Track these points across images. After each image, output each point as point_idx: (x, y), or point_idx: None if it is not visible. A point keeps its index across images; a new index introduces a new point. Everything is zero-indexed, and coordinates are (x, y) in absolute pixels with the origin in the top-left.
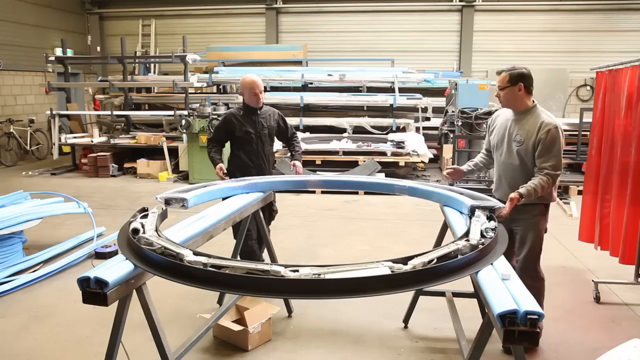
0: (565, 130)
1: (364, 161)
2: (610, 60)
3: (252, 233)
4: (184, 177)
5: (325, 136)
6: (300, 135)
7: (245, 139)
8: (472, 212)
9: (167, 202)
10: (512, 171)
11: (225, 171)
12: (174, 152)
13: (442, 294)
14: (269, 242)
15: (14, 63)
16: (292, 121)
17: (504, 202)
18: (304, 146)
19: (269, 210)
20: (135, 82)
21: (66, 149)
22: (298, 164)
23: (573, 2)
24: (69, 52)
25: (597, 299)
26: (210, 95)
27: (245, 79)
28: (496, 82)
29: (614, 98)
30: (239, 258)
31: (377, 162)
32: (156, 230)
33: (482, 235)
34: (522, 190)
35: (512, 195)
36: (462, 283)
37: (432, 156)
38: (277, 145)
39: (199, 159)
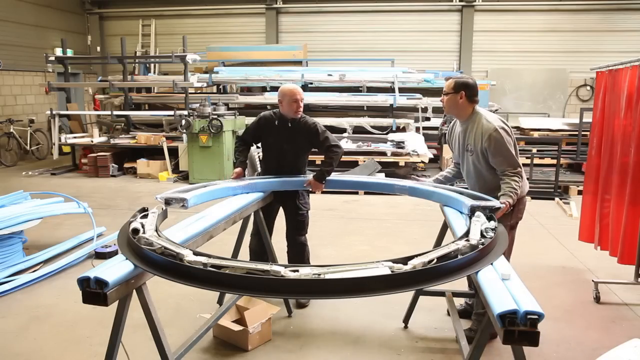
0: (565, 130)
1: (364, 161)
2: (610, 60)
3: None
4: (184, 177)
5: None
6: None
7: (269, 149)
8: (472, 212)
9: (167, 202)
10: (480, 179)
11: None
12: (174, 152)
13: (442, 294)
14: (269, 242)
15: (14, 63)
16: None
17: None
18: None
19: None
20: (135, 82)
21: (66, 149)
22: (314, 182)
23: (573, 2)
24: (69, 52)
25: (597, 299)
26: (210, 95)
27: (285, 85)
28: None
29: (614, 98)
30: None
31: (377, 162)
32: (156, 230)
33: (482, 235)
34: (506, 199)
35: (502, 206)
36: (462, 283)
37: (432, 156)
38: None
39: (199, 159)
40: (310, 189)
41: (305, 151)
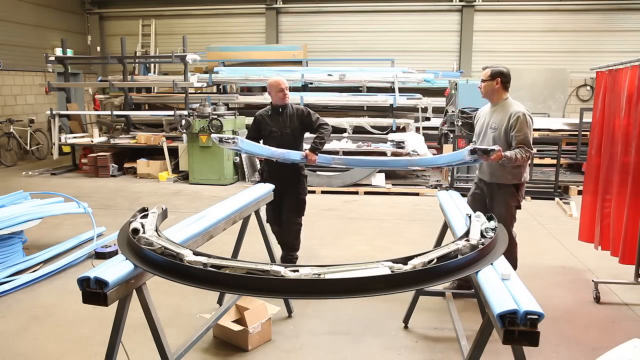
0: (565, 130)
1: None
2: (610, 60)
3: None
4: (184, 177)
5: None
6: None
7: (271, 137)
8: (472, 152)
9: (220, 140)
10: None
11: None
12: (174, 152)
13: (442, 294)
14: (268, 242)
15: (14, 63)
16: None
17: (485, 181)
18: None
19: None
20: (135, 82)
21: (66, 149)
22: (309, 153)
23: (573, 2)
24: (69, 52)
25: (597, 299)
26: (210, 95)
27: (271, 78)
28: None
29: (614, 98)
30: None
31: None
32: (156, 230)
33: (482, 235)
34: (507, 153)
35: (498, 150)
36: None
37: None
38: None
39: (199, 159)
40: (307, 160)
41: (300, 132)
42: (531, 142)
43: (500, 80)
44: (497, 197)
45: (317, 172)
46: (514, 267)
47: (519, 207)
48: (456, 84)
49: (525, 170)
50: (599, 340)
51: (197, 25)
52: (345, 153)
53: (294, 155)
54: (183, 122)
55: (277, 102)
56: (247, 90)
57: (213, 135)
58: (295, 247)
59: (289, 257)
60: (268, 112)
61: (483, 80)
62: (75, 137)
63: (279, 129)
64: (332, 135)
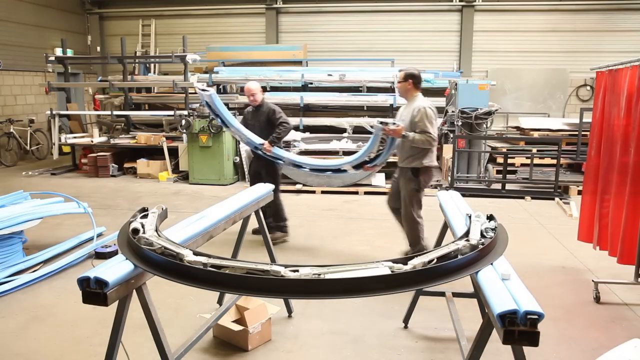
0: (565, 130)
1: None
2: (610, 60)
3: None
4: (184, 177)
5: (325, 136)
6: (300, 135)
7: (249, 128)
8: (380, 123)
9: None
10: (405, 145)
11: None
12: (174, 152)
13: (442, 294)
14: (268, 242)
15: (14, 63)
16: (292, 121)
17: (404, 167)
18: (303, 146)
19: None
20: (135, 82)
21: (66, 149)
22: (266, 143)
23: (573, 2)
24: (69, 52)
25: (597, 299)
26: None
27: (245, 85)
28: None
29: (614, 98)
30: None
31: None
32: (156, 230)
33: (482, 235)
34: (408, 133)
35: (400, 126)
36: (462, 283)
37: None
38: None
39: (199, 159)
40: (263, 147)
41: (267, 126)
42: (432, 131)
43: (412, 81)
44: (401, 180)
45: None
46: (416, 244)
47: (418, 190)
48: (456, 84)
49: (428, 157)
50: (599, 340)
51: (197, 25)
52: (345, 153)
53: (255, 139)
54: (183, 122)
55: (251, 104)
56: None
57: (196, 84)
58: (280, 215)
59: (279, 225)
60: (251, 109)
61: (398, 82)
62: (75, 137)
63: (253, 123)
64: (332, 135)
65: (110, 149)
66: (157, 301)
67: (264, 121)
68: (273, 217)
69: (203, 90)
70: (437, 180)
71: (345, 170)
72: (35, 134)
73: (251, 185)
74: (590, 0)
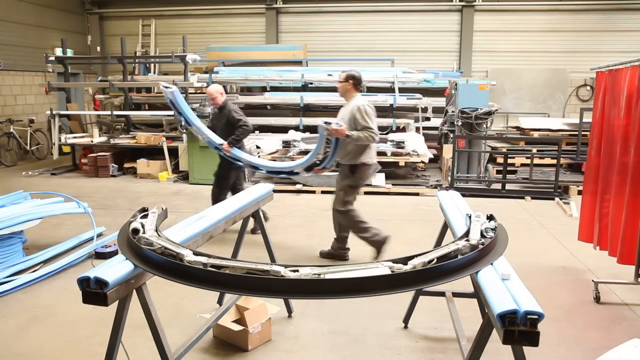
0: (565, 130)
1: None
2: (610, 60)
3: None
4: (184, 177)
5: None
6: (299, 135)
7: (213, 128)
8: (325, 123)
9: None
10: (343, 142)
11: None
12: (174, 152)
13: (442, 294)
14: (268, 242)
15: (14, 63)
16: (292, 121)
17: (343, 164)
18: (303, 146)
19: None
20: (135, 82)
21: (66, 149)
22: (225, 143)
23: (573, 2)
24: (69, 52)
25: (597, 299)
26: None
27: (207, 88)
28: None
29: (614, 98)
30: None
31: (377, 162)
32: (156, 230)
33: (482, 235)
34: (352, 132)
35: (343, 127)
36: (462, 283)
37: (432, 156)
38: (277, 145)
39: (199, 159)
40: (222, 147)
41: (229, 127)
42: (372, 127)
43: (352, 82)
44: (338, 176)
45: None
46: (364, 231)
47: (353, 187)
48: (456, 84)
49: (365, 154)
50: (599, 340)
51: (197, 25)
52: None
53: (215, 139)
54: (183, 122)
55: (214, 106)
56: (247, 90)
57: (162, 83)
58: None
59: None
60: (215, 110)
61: (339, 82)
62: (75, 137)
63: (216, 123)
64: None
65: (110, 149)
66: (157, 301)
67: (225, 122)
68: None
69: (166, 87)
70: (437, 180)
71: (297, 173)
72: (35, 134)
73: (214, 182)
74: (590, 0)
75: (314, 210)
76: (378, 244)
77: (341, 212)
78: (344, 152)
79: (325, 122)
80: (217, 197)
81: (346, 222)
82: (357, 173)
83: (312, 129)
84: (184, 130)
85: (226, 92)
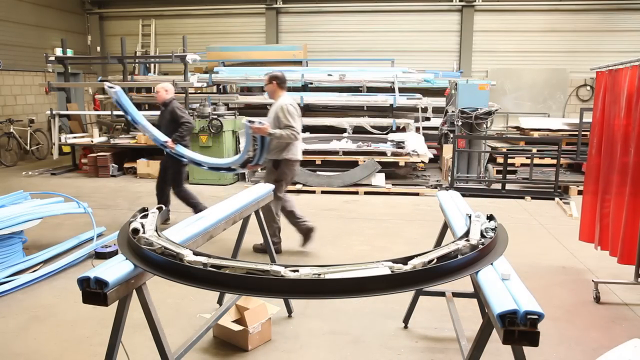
0: (565, 130)
1: (364, 161)
2: (610, 60)
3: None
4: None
5: (325, 136)
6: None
7: (157, 125)
8: (249, 121)
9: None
10: (271, 139)
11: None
12: None
13: (442, 294)
14: (268, 242)
15: (14, 63)
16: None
17: (268, 160)
18: (304, 146)
19: None
20: (135, 82)
21: (66, 149)
22: (169, 140)
23: (573, 2)
24: (69, 52)
25: (597, 299)
26: (210, 95)
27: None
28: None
29: (614, 98)
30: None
31: (377, 162)
32: (156, 230)
33: (482, 235)
34: (275, 130)
35: (266, 125)
36: (462, 283)
37: (432, 156)
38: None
39: None
40: (167, 144)
41: (172, 124)
42: (294, 125)
43: (275, 82)
44: (266, 172)
45: (317, 172)
46: (270, 222)
47: (277, 182)
48: (456, 84)
49: (288, 150)
50: (599, 340)
51: (197, 25)
52: (345, 153)
53: (160, 136)
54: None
55: (158, 102)
56: (247, 90)
57: (106, 84)
58: (190, 202)
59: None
60: (162, 108)
61: (265, 84)
62: (75, 137)
63: (161, 120)
64: (332, 135)
65: (110, 149)
66: (157, 301)
67: (169, 120)
68: (192, 207)
69: (110, 87)
70: (437, 180)
71: (234, 169)
72: (35, 134)
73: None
74: (590, 0)
75: (314, 210)
76: (275, 245)
77: (274, 200)
78: (270, 148)
79: (249, 121)
80: (180, 195)
81: (264, 215)
82: (280, 168)
83: (312, 129)
84: None
85: (226, 92)
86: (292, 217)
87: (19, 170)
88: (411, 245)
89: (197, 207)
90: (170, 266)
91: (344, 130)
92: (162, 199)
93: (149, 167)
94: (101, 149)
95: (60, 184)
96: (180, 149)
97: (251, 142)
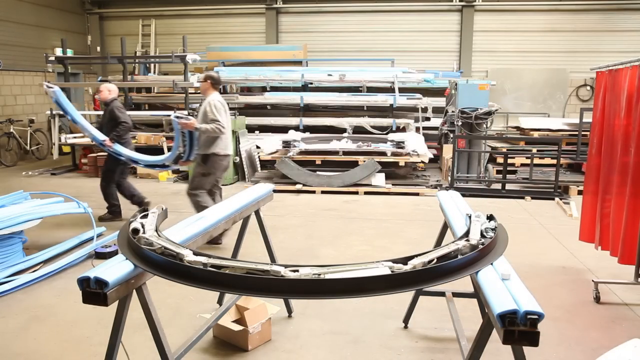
0: (565, 130)
1: (364, 161)
2: (610, 60)
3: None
4: (184, 177)
5: (325, 136)
6: (299, 135)
7: (101, 125)
8: (177, 117)
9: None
10: (200, 134)
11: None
12: None
13: (442, 294)
14: (268, 242)
15: (14, 63)
16: (292, 121)
17: (200, 155)
18: (303, 146)
19: None
20: (135, 82)
21: (66, 149)
22: (107, 139)
23: (573, 2)
24: (69, 52)
25: (597, 299)
26: None
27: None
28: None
29: (614, 98)
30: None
31: (377, 162)
32: (156, 230)
33: (482, 235)
34: (201, 125)
35: (192, 120)
36: (462, 283)
37: (432, 156)
38: (277, 145)
39: None
40: (105, 143)
41: (111, 123)
42: (220, 119)
43: (210, 81)
44: (194, 164)
45: (317, 172)
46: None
47: (204, 175)
48: (456, 84)
49: (216, 145)
50: (599, 340)
51: (197, 25)
52: (345, 153)
53: (98, 135)
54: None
55: (101, 100)
56: (247, 90)
57: (45, 84)
58: (110, 199)
59: (111, 210)
60: (104, 106)
61: (199, 81)
62: (75, 137)
63: (103, 119)
64: (332, 135)
65: None
66: (157, 301)
67: (108, 119)
68: (130, 199)
69: (49, 87)
70: (437, 180)
71: (169, 166)
72: (35, 134)
73: (102, 176)
74: (590, 0)
75: (314, 210)
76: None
77: (191, 195)
78: (200, 144)
79: (176, 116)
80: (105, 190)
81: (193, 205)
82: (208, 162)
83: (312, 129)
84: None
85: (226, 92)
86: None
87: (19, 170)
88: (411, 245)
89: (133, 199)
90: (170, 266)
91: (344, 130)
92: (108, 194)
93: None
94: (101, 149)
95: (60, 184)
96: (118, 148)
97: (180, 137)
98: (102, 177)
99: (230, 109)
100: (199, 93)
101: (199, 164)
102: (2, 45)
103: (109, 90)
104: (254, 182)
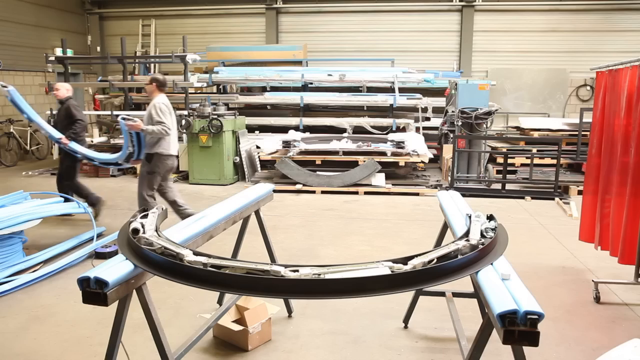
0: (565, 130)
1: (364, 161)
2: (610, 60)
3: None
4: (184, 177)
5: (325, 136)
6: (299, 135)
7: (56, 123)
8: (123, 119)
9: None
10: (146, 135)
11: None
12: None
13: (442, 294)
14: (268, 242)
15: (14, 63)
16: (292, 121)
17: (146, 153)
18: (303, 146)
19: None
20: (135, 82)
21: None
22: (63, 137)
23: (573, 2)
24: (69, 52)
25: (597, 299)
26: (210, 95)
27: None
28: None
29: (614, 98)
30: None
31: (377, 162)
32: (156, 230)
33: (482, 235)
34: (147, 126)
35: (137, 122)
36: (462, 283)
37: (432, 156)
38: (277, 145)
39: (199, 159)
40: (61, 141)
41: (66, 121)
42: (165, 121)
43: (155, 84)
44: (141, 164)
45: (317, 172)
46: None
47: (150, 173)
48: (456, 84)
49: (160, 145)
50: (599, 340)
51: (197, 25)
52: (345, 153)
53: (54, 133)
54: (183, 122)
55: (56, 98)
56: (247, 90)
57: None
58: (83, 194)
59: (89, 202)
60: (59, 104)
61: (146, 84)
62: None
63: (58, 116)
64: (332, 135)
65: (110, 149)
66: (157, 301)
67: (64, 116)
68: (84, 198)
69: (3, 86)
70: (437, 180)
71: (121, 164)
72: (35, 134)
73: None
74: (590, 0)
75: (314, 210)
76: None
77: (140, 197)
78: (147, 143)
79: (123, 118)
80: (72, 187)
81: (139, 205)
82: (152, 161)
83: (313, 129)
84: (184, 131)
85: (226, 92)
86: (174, 205)
87: (19, 170)
88: (411, 245)
89: (89, 198)
90: (170, 266)
91: (344, 130)
92: (62, 192)
93: None
94: (101, 149)
95: None
96: (74, 145)
97: (129, 138)
98: (64, 176)
99: (231, 109)
100: (199, 93)
101: (145, 163)
102: (2, 45)
103: (67, 89)
104: (254, 182)
